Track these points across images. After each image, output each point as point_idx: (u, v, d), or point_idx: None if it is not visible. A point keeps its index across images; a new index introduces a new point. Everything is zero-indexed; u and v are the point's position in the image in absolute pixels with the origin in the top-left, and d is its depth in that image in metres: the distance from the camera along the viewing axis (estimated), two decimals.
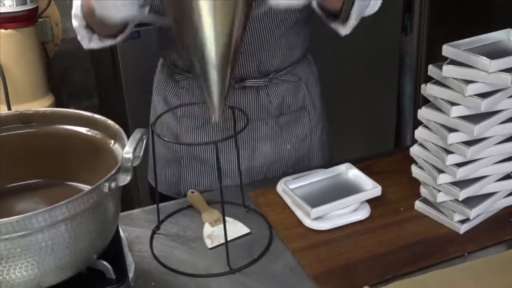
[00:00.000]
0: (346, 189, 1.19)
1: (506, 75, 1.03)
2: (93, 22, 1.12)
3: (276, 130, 1.36)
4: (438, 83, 1.11)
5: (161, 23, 1.04)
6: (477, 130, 1.06)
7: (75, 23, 1.15)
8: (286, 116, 1.37)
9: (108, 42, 1.17)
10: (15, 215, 0.76)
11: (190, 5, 0.85)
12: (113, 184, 0.85)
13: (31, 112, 1.02)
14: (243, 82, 1.29)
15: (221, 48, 0.88)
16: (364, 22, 1.18)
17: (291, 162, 1.40)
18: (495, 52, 1.07)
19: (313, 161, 1.45)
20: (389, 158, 1.39)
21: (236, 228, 1.15)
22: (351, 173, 1.26)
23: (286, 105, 1.36)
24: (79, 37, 1.18)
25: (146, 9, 1.05)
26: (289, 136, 1.38)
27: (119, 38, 1.16)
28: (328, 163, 1.39)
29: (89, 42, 1.17)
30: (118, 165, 0.85)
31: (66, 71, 2.44)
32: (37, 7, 1.88)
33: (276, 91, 1.33)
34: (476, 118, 1.07)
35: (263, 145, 1.35)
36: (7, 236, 0.76)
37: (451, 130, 1.08)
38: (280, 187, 1.25)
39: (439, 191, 1.13)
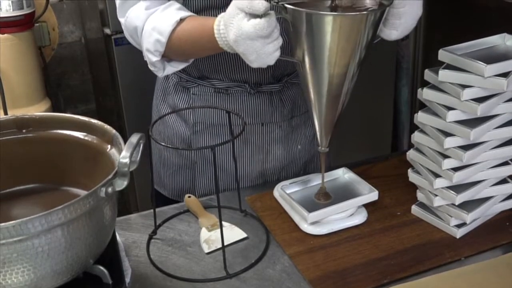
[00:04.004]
0: (343, 194, 1.20)
1: (502, 80, 1.03)
2: (177, 55, 1.17)
3: (288, 132, 1.38)
4: (435, 87, 1.11)
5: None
6: (474, 134, 1.06)
7: (153, 58, 1.15)
8: (297, 118, 1.39)
9: (182, 65, 1.20)
10: (12, 220, 0.76)
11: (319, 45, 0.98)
12: (109, 189, 0.85)
13: (27, 117, 1.02)
14: (259, 87, 1.31)
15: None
16: None
17: (301, 163, 1.43)
18: (491, 57, 1.08)
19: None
20: (385, 162, 1.39)
21: (233, 233, 1.15)
22: (348, 177, 1.26)
23: (297, 107, 1.38)
24: (152, 69, 1.19)
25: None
26: (299, 137, 1.41)
27: (191, 59, 1.19)
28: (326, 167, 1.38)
29: (164, 71, 1.19)
30: (115, 170, 0.85)
31: (63, 76, 2.44)
32: (33, 12, 1.87)
33: (288, 94, 1.35)
34: (472, 122, 1.07)
35: (277, 148, 1.37)
36: (3, 241, 0.76)
37: (448, 134, 1.09)
38: (277, 191, 1.25)
39: (436, 195, 1.13)
